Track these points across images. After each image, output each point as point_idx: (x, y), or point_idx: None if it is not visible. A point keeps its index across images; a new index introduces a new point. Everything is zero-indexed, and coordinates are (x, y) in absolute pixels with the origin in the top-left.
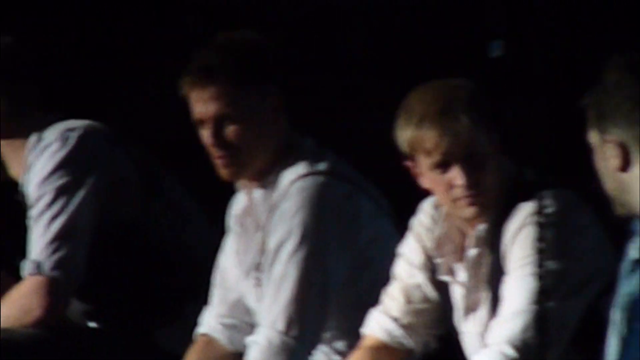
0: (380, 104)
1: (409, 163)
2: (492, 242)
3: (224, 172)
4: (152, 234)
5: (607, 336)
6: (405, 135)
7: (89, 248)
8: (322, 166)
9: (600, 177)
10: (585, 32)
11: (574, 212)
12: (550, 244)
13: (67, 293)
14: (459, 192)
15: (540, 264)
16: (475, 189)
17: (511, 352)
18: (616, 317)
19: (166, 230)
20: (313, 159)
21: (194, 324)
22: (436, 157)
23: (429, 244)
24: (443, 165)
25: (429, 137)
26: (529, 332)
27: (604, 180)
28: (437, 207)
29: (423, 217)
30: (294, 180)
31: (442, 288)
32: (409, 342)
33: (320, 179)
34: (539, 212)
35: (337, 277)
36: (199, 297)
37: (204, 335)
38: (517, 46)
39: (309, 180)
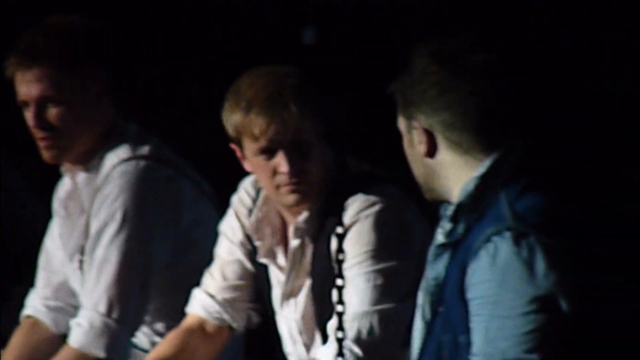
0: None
1: (234, 146)
2: (314, 232)
3: (45, 155)
4: None
5: (414, 320)
6: (233, 119)
7: None
8: (144, 150)
9: (409, 163)
10: (395, 22)
11: (401, 209)
12: (383, 242)
13: None
14: (282, 179)
15: (376, 263)
16: (299, 177)
17: (359, 351)
18: (420, 301)
19: None
20: (136, 143)
21: (20, 307)
22: (262, 143)
23: (248, 223)
24: (268, 152)
25: (257, 122)
26: (375, 333)
27: (413, 166)
28: (256, 187)
29: (244, 196)
30: (116, 164)
31: (260, 266)
32: (227, 317)
33: (141, 162)
34: (368, 208)
35: (158, 260)
36: (27, 279)
37: (28, 317)
38: (330, 33)
39: (131, 164)
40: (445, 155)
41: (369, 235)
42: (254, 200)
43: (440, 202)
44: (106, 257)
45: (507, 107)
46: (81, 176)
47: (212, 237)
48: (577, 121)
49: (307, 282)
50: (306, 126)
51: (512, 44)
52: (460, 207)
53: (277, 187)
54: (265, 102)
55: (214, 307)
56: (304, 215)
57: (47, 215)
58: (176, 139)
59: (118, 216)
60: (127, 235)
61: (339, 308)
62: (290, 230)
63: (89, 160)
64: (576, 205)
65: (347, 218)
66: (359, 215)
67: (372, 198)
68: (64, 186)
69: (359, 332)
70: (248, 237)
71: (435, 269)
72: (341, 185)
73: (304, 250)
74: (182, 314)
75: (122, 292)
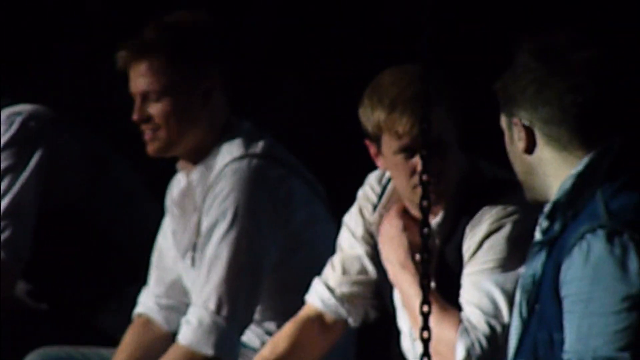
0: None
1: (369, 143)
2: (444, 234)
3: (148, 148)
4: (97, 216)
5: (512, 317)
6: (375, 116)
7: (33, 228)
8: (257, 148)
9: (510, 161)
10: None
11: (532, 218)
12: (514, 252)
13: (13, 274)
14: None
15: (504, 272)
16: (437, 179)
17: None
18: (518, 299)
19: (111, 212)
20: (249, 141)
21: (134, 305)
22: (405, 142)
23: (371, 220)
24: (409, 150)
25: (402, 121)
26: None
27: (514, 163)
28: (381, 184)
29: (369, 191)
30: (228, 162)
31: (381, 263)
32: (343, 312)
33: (254, 161)
34: (505, 217)
35: (268, 259)
36: (143, 279)
37: (141, 315)
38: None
39: (244, 162)
40: (544, 152)
41: (503, 244)
42: (379, 197)
43: (540, 204)
44: (217, 254)
45: (606, 104)
46: (195, 173)
47: (324, 237)
48: None
49: (432, 283)
50: (448, 127)
51: (611, 40)
52: (557, 204)
53: (414, 187)
54: (411, 100)
55: (332, 301)
56: (439, 216)
57: (160, 214)
58: (287, 138)
59: (229, 214)
60: (237, 233)
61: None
62: None
63: (203, 157)
64: None
65: (484, 225)
66: (495, 223)
67: (510, 208)
68: (178, 183)
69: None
70: (370, 233)
71: (532, 267)
72: (476, 189)
73: (432, 250)
74: (293, 314)
75: (232, 290)
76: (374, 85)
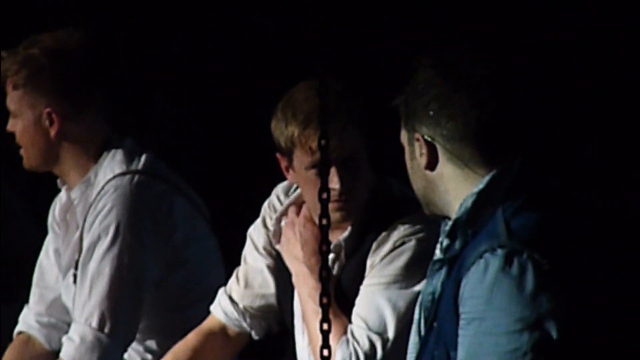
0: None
1: (280, 156)
2: (349, 249)
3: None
4: None
5: (410, 335)
6: (287, 131)
7: None
8: (138, 165)
9: (410, 176)
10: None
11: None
12: (415, 270)
13: None
14: (331, 195)
15: (402, 288)
16: (347, 195)
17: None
18: (417, 316)
19: None
20: (130, 158)
21: (10, 325)
22: (317, 157)
23: (272, 227)
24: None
25: (315, 137)
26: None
27: (413, 179)
28: (289, 192)
29: (275, 202)
30: (110, 179)
31: (283, 274)
32: (246, 325)
33: (135, 177)
34: (411, 235)
35: (150, 276)
36: (18, 298)
37: (21, 333)
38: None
39: (125, 179)
40: (446, 168)
41: (403, 261)
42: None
43: (440, 217)
44: (99, 271)
45: (507, 121)
46: (76, 191)
47: (205, 254)
48: (577, 136)
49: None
50: (360, 145)
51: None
52: (457, 222)
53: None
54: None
55: (235, 315)
56: (346, 232)
57: (37, 231)
58: (168, 155)
59: (111, 230)
60: (119, 249)
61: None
62: None
63: (83, 174)
64: (571, 224)
65: (389, 242)
66: (400, 240)
67: (417, 226)
68: (60, 201)
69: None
70: (272, 244)
71: (432, 285)
72: (384, 207)
73: (335, 265)
74: (174, 332)
75: (114, 307)
76: (288, 99)
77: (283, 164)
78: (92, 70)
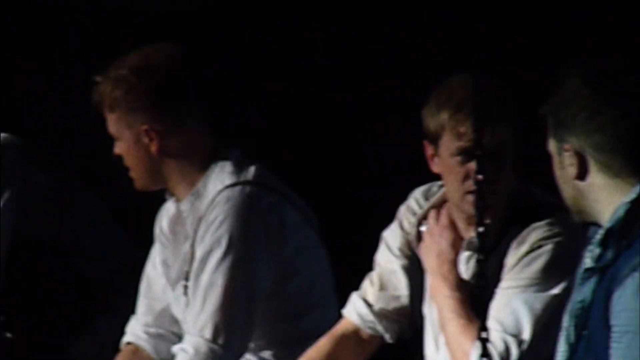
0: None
1: (427, 143)
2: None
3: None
4: (66, 247)
5: (558, 341)
6: (440, 114)
7: (4, 260)
8: (248, 176)
9: (558, 185)
10: None
11: (578, 243)
12: (554, 273)
13: None
14: (471, 187)
15: (541, 291)
16: (490, 187)
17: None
18: (566, 324)
19: (80, 244)
20: (239, 168)
21: (107, 336)
22: (464, 144)
23: (414, 233)
24: (467, 154)
25: (466, 122)
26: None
27: (562, 188)
28: (427, 196)
29: (413, 205)
30: (220, 190)
31: (416, 276)
32: (380, 328)
33: (247, 188)
34: (551, 237)
35: (263, 286)
36: (114, 309)
37: (129, 344)
38: None
39: (236, 190)
40: (596, 178)
41: (540, 264)
42: (422, 207)
43: (589, 223)
44: (212, 282)
45: None
46: (185, 203)
47: (316, 264)
48: None
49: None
50: (508, 141)
51: None
52: (609, 232)
53: (465, 192)
54: (480, 104)
55: (370, 317)
56: (480, 229)
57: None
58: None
59: (223, 242)
60: (232, 260)
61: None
62: (463, 243)
63: (192, 186)
64: None
65: (527, 243)
66: (537, 242)
67: (555, 229)
68: (167, 212)
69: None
70: (408, 244)
71: (582, 293)
72: (525, 208)
73: (470, 262)
74: (287, 341)
75: (228, 318)
76: (444, 86)
77: (429, 151)
78: (182, 83)
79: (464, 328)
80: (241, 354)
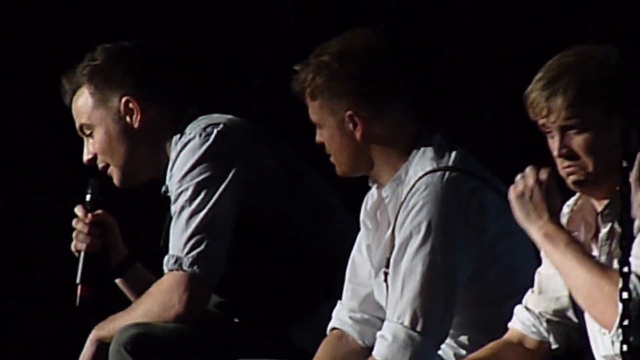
0: None
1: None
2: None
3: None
4: (291, 230)
5: None
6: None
7: (228, 243)
8: (448, 161)
9: None
10: None
11: None
12: None
13: (207, 288)
14: (558, 162)
15: None
16: (570, 160)
17: None
18: None
19: (306, 226)
20: (440, 154)
21: (328, 322)
22: (539, 122)
23: (564, 221)
24: (547, 132)
25: (535, 101)
26: None
27: None
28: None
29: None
30: (421, 176)
31: None
32: (543, 331)
33: (447, 174)
34: None
35: (463, 272)
36: (336, 294)
37: (335, 329)
38: None
39: (436, 176)
40: None
41: None
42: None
43: None
44: (411, 269)
45: None
46: (387, 189)
47: (518, 249)
48: None
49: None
50: (579, 110)
51: None
52: None
53: (561, 168)
54: (549, 82)
55: (531, 321)
56: (604, 202)
57: (355, 229)
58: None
59: (423, 228)
60: (432, 247)
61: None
62: (599, 219)
63: (394, 172)
64: None
65: None
66: None
67: None
68: (372, 198)
69: None
70: None
71: None
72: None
73: (612, 237)
74: (487, 328)
75: (427, 304)
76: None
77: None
78: (385, 67)
79: (601, 270)
80: (441, 341)
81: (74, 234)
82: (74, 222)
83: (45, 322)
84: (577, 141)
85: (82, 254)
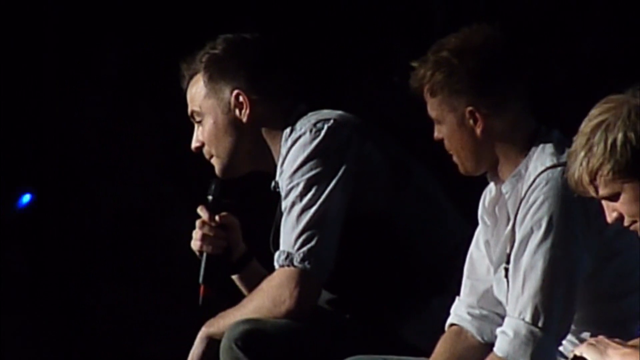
0: None
1: None
2: None
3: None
4: (401, 226)
5: None
6: None
7: (338, 239)
8: None
9: None
10: None
11: None
12: None
13: (317, 284)
14: None
15: None
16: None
17: None
18: None
19: (415, 222)
20: (560, 150)
21: (440, 317)
22: None
23: None
24: None
25: None
26: None
27: None
28: None
29: None
30: (541, 172)
31: None
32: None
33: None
34: None
35: (583, 269)
36: (447, 290)
37: (453, 325)
38: None
39: (557, 172)
40: None
41: None
42: None
43: None
44: (532, 264)
45: None
46: (507, 185)
47: (635, 246)
48: None
49: None
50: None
51: None
52: None
53: None
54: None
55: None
56: None
57: (463, 220)
58: None
59: (544, 223)
60: (552, 242)
61: None
62: None
63: (513, 168)
64: None
65: None
66: None
67: None
68: (490, 194)
69: None
70: None
71: None
72: None
73: None
74: (608, 322)
75: (548, 300)
76: None
77: None
78: (505, 63)
79: None
80: (562, 337)
81: (197, 236)
82: (198, 223)
83: (173, 319)
84: None
85: (205, 254)
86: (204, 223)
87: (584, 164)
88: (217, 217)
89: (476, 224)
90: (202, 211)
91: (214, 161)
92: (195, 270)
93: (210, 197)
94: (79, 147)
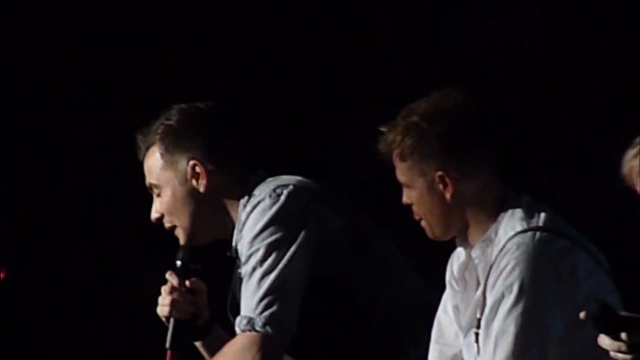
0: None
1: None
2: None
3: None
4: (360, 289)
5: None
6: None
7: (300, 303)
8: (538, 222)
9: None
10: None
11: None
12: None
13: (279, 349)
14: None
15: None
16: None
17: None
18: None
19: (374, 287)
20: (530, 214)
21: None
22: None
23: None
24: None
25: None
26: None
27: None
28: None
29: None
30: (511, 237)
31: None
32: None
33: (537, 234)
34: None
35: (555, 333)
36: (407, 355)
37: None
38: None
39: (527, 236)
40: None
41: None
42: None
43: None
44: (503, 329)
45: None
46: (476, 249)
47: None
48: None
49: None
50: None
51: None
52: None
53: None
54: None
55: None
56: None
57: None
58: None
59: (515, 288)
60: (524, 307)
61: None
62: None
63: (483, 233)
64: None
65: None
66: None
67: None
68: (458, 259)
69: None
70: None
71: None
72: None
73: None
74: None
75: None
76: None
77: None
78: (474, 128)
79: None
80: None
81: (166, 301)
82: (167, 289)
83: None
84: None
85: (173, 320)
86: (173, 288)
87: None
88: (187, 282)
89: (439, 288)
90: (171, 277)
91: (176, 232)
92: (161, 335)
93: (179, 263)
94: (49, 209)
